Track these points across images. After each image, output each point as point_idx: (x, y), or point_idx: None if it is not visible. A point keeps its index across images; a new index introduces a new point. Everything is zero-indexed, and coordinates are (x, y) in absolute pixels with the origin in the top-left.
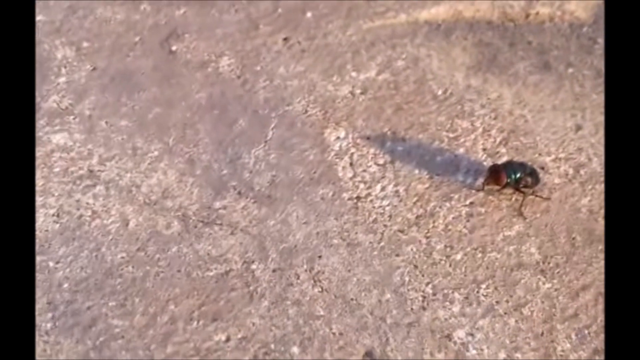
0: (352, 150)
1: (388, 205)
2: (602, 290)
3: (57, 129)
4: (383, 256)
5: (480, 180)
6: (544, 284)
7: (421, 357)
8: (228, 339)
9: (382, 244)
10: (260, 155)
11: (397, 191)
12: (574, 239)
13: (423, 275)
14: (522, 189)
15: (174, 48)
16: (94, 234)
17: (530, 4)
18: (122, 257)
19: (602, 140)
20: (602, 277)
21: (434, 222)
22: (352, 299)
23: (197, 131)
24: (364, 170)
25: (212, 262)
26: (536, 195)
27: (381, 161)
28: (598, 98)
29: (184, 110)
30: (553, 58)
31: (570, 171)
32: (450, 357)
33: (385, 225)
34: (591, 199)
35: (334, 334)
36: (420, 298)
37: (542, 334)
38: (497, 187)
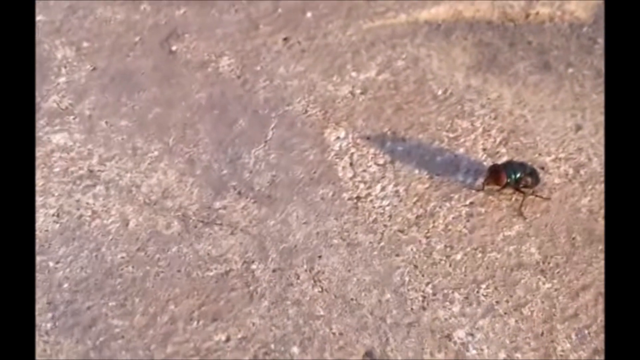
0: (352, 150)
1: (388, 205)
2: (602, 290)
3: (57, 129)
4: (383, 256)
5: (480, 180)
6: (544, 284)
7: (421, 357)
8: (228, 339)
9: (382, 244)
10: (260, 155)
11: (397, 191)
12: (574, 239)
13: (423, 275)
14: (522, 189)
15: (174, 48)
16: (94, 234)
17: (530, 4)
18: (122, 257)
19: (602, 140)
20: (602, 277)
21: (434, 222)
22: (352, 299)
23: (197, 131)
24: (364, 170)
25: (212, 262)
26: (536, 195)
27: (381, 161)
28: (598, 98)
29: (184, 110)
30: (553, 58)
31: (570, 171)
32: (450, 357)
33: (385, 225)
34: (591, 199)
35: (334, 334)
36: (420, 298)
37: (542, 334)
38: (497, 187)
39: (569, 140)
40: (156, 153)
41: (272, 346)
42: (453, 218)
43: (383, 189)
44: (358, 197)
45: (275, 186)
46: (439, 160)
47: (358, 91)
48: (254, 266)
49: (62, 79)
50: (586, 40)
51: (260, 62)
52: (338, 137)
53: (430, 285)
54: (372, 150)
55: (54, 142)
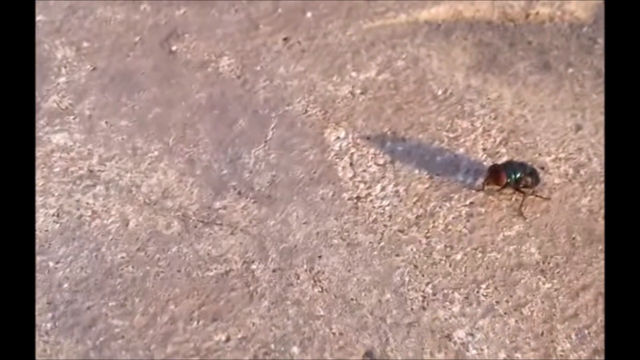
0: (352, 150)
1: (388, 205)
2: (602, 290)
3: (57, 129)
4: (383, 256)
5: (480, 180)
6: (544, 284)
7: (421, 357)
8: (228, 339)
9: (382, 244)
10: (260, 155)
11: (397, 191)
12: (574, 239)
13: (423, 275)
14: (522, 189)
15: (174, 48)
16: (94, 234)
17: (530, 4)
18: (122, 257)
19: (602, 140)
20: (602, 277)
21: (434, 222)
22: (352, 299)
23: (197, 131)
24: (364, 170)
25: (212, 262)
26: (536, 195)
27: (381, 161)
28: (598, 98)
29: (184, 110)
30: (553, 58)
31: (570, 171)
32: (450, 357)
33: (385, 225)
34: (591, 199)
35: (334, 334)
36: (420, 298)
37: (542, 334)
38: (497, 187)
39: (569, 140)
40: (156, 153)
41: (272, 346)
42: (453, 218)
43: (383, 189)
44: (358, 197)
45: (275, 186)
46: (439, 160)
47: (358, 91)
48: (254, 266)
49: (62, 79)
50: (586, 40)
51: (260, 62)
52: (338, 137)
53: (430, 285)
54: (372, 150)
55: (54, 142)
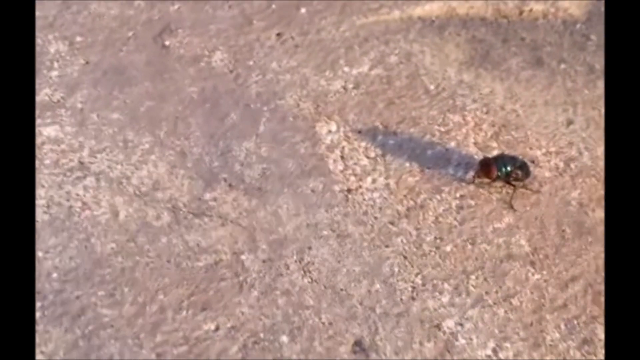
0: (344, 143)
1: (378, 197)
2: (591, 281)
3: (49, 122)
4: (373, 247)
5: (471, 174)
6: (533, 275)
7: (410, 346)
8: (217, 328)
9: (372, 235)
10: (252, 148)
11: (387, 184)
12: (563, 231)
13: (413, 266)
14: (513, 182)
15: (167, 43)
16: (84, 225)
17: (524, 1)
18: (112, 248)
19: (593, 135)
20: (592, 268)
21: (424, 214)
22: (341, 290)
23: (188, 124)
24: (355, 164)
25: (202, 253)
26: (526, 188)
27: (372, 154)
28: (590, 93)
29: (175, 104)
30: (546, 54)
31: (561, 165)
32: (440, 347)
33: (375, 217)
34: (581, 192)
35: (323, 323)
36: (410, 288)
37: (532, 324)
38: (487, 180)
39: (560, 134)
40: (147, 146)
41: (262, 335)
42: (443, 210)
43: (374, 181)
44: (349, 190)
45: (266, 178)
46: (430, 154)
47: (350, 86)
48: (243, 257)
49: (54, 73)
50: (579, 37)
51: (253, 57)
52: (329, 131)
53: (419, 276)
54: (363, 144)
55: (45, 134)
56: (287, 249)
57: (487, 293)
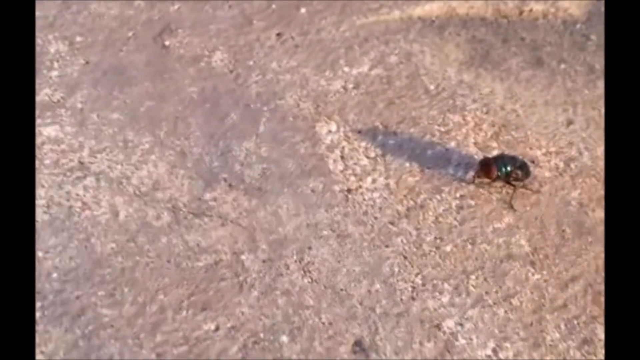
0: (344, 143)
1: (378, 197)
2: (591, 281)
3: (49, 122)
4: (373, 247)
5: (471, 174)
6: (533, 275)
7: (410, 346)
8: (217, 328)
9: (372, 235)
10: (252, 148)
11: (387, 184)
12: (563, 231)
13: (413, 266)
14: (513, 182)
15: (167, 43)
16: (84, 225)
17: (524, 1)
18: (112, 248)
19: (593, 135)
20: (592, 268)
21: (424, 214)
22: (341, 289)
23: (188, 124)
24: (355, 164)
25: (202, 253)
26: (526, 188)
27: (372, 154)
28: (590, 93)
29: (175, 104)
30: (546, 54)
31: (561, 165)
32: (440, 347)
33: (375, 217)
34: (581, 192)
35: (323, 323)
36: (410, 288)
37: (532, 324)
38: (487, 180)
39: (560, 134)
40: (147, 146)
41: (262, 335)
42: (443, 210)
43: (374, 181)
44: (349, 190)
45: (266, 178)
46: (430, 154)
47: (350, 86)
48: (243, 257)
49: (54, 73)
50: (579, 37)
51: (253, 57)
52: (329, 131)
53: (419, 276)
54: (363, 144)
55: (45, 134)
56: (287, 249)
57: (487, 293)
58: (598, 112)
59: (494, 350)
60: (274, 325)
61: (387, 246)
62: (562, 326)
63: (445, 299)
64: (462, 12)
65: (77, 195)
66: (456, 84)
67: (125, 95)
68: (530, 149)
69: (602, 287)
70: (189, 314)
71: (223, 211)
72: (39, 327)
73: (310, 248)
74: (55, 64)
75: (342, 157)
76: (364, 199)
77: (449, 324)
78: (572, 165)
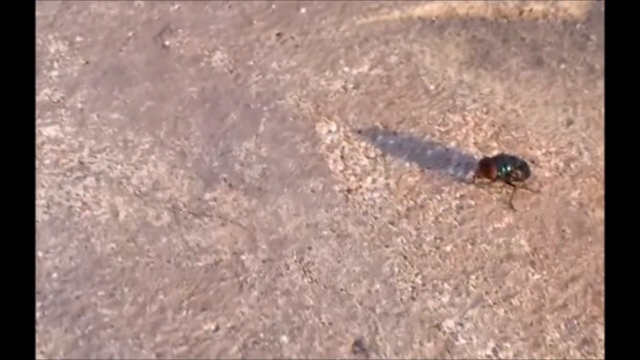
0: (344, 143)
1: (379, 197)
2: (591, 281)
3: (49, 122)
4: (373, 247)
5: (471, 174)
6: (533, 275)
7: (410, 346)
8: (217, 328)
9: (372, 235)
10: (252, 148)
11: (387, 184)
12: (563, 231)
13: (413, 266)
14: (513, 182)
15: (167, 43)
16: (84, 225)
17: (524, 1)
18: (112, 248)
19: (593, 135)
20: (592, 268)
21: (424, 214)
22: (341, 289)
23: (188, 124)
24: (355, 164)
25: (202, 253)
26: (526, 188)
27: (372, 154)
28: (590, 93)
29: (175, 104)
30: (546, 54)
31: (561, 165)
32: (440, 347)
33: (375, 217)
34: (581, 192)
35: (323, 323)
36: (410, 288)
37: (532, 324)
38: (487, 180)
39: (560, 134)
40: (147, 146)
41: (262, 335)
42: (443, 210)
43: (374, 181)
44: (349, 190)
45: (266, 178)
46: (430, 154)
47: (350, 86)
48: (243, 257)
49: (54, 73)
50: (579, 37)
51: (253, 57)
52: (329, 131)
53: (419, 276)
54: (363, 144)
55: (45, 134)
56: (287, 249)
57: (487, 293)
58: (598, 112)
59: (494, 350)
60: (274, 325)
61: (387, 246)
62: (562, 326)
63: (445, 299)
64: (462, 12)
65: (77, 195)
66: (456, 84)
67: (125, 95)
68: (530, 149)
69: (602, 287)
70: (189, 314)
71: (223, 211)
72: (39, 327)
73: (310, 248)
74: (55, 64)
75: (342, 157)
76: (364, 199)
77: (449, 324)
78: (572, 165)
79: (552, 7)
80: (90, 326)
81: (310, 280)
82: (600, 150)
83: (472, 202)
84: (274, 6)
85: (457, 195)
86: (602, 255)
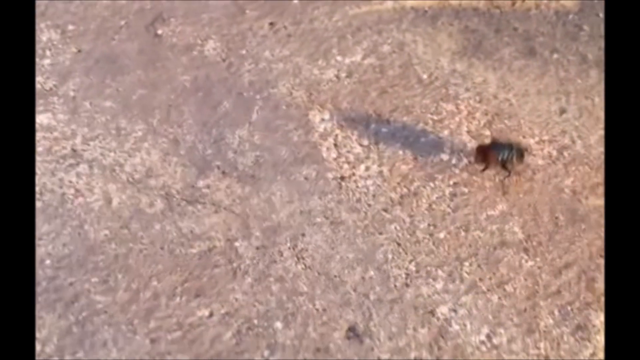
0: (337, 131)
1: (372, 185)
2: (585, 268)
3: (41, 110)
4: (367, 234)
5: (465, 161)
6: (527, 261)
7: (404, 332)
8: (211, 315)
9: (365, 222)
10: (245, 136)
11: (381, 171)
12: (557, 218)
13: (406, 253)
14: (508, 167)
15: (159, 32)
16: (77, 212)
17: None
18: (105, 235)
19: (586, 123)
20: (585, 255)
21: (417, 201)
22: (335, 276)
23: (181, 112)
24: (348, 151)
25: (196, 240)
26: (520, 175)
27: (365, 142)
28: (583, 83)
29: (168, 92)
30: (538, 44)
31: (554, 153)
32: (434, 332)
33: (369, 205)
34: (574, 180)
35: (317, 309)
36: (404, 275)
37: (525, 310)
38: (482, 166)
39: (553, 123)
40: (140, 133)
41: (256, 321)
42: (437, 198)
43: (367, 169)
44: (342, 177)
45: (259, 166)
46: (423, 142)
47: (343, 75)
48: (237, 244)
49: (46, 61)
50: (572, 27)
51: (245, 46)
52: (322, 119)
53: (413, 263)
54: (356, 132)
55: (38, 122)
56: (280, 235)
57: (480, 280)
58: (591, 101)
59: (488, 336)
60: (267, 311)
61: (380, 233)
62: (556, 312)
63: (439, 285)
64: (455, 3)
65: (70, 182)
66: (449, 73)
67: (117, 83)
68: (524, 137)
69: (595, 274)
70: (182, 300)
71: (216, 198)
72: None
73: (303, 235)
74: (48, 52)
75: (335, 144)
76: (357, 187)
77: (442, 310)
78: (565, 154)
79: None
80: (84, 312)
81: (304, 266)
82: (593, 139)
83: (465, 190)
84: None
85: (451, 182)
86: (596, 242)
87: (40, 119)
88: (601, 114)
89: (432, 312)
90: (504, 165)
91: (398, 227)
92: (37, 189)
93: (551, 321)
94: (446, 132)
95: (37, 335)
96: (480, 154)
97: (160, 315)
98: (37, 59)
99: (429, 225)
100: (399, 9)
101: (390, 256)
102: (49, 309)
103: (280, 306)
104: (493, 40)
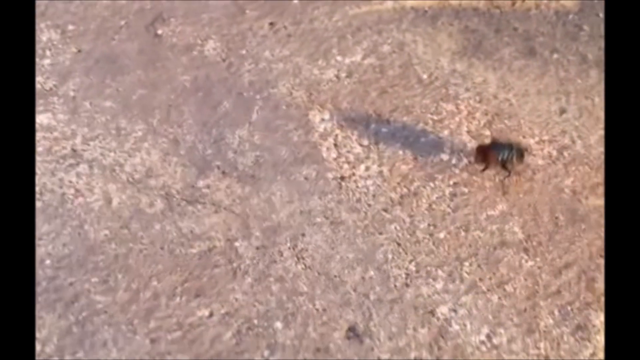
0: (337, 131)
1: (372, 185)
2: (585, 268)
3: (41, 110)
4: (367, 234)
5: (465, 161)
6: (527, 261)
7: (404, 332)
8: (211, 315)
9: (365, 222)
10: (245, 136)
11: (381, 171)
12: (557, 218)
13: (406, 253)
14: (508, 167)
15: (159, 32)
16: (77, 212)
17: None
18: (105, 235)
19: (586, 123)
20: (585, 255)
21: (417, 201)
22: (335, 276)
23: (181, 113)
24: (348, 151)
25: (196, 240)
26: (520, 175)
27: (365, 142)
28: (583, 83)
29: (168, 92)
30: (538, 44)
31: (554, 153)
32: (434, 332)
33: (369, 205)
34: (574, 180)
35: (317, 309)
36: (404, 275)
37: (525, 310)
38: (482, 166)
39: (553, 123)
40: (140, 133)
41: (256, 321)
42: (437, 198)
43: (367, 169)
44: (342, 177)
45: (259, 166)
46: (423, 142)
47: (343, 75)
48: (237, 244)
49: (46, 61)
50: (572, 27)
51: (245, 46)
52: (322, 119)
53: (413, 263)
54: (356, 132)
55: (38, 122)
56: (280, 235)
57: (480, 280)
58: (591, 101)
59: (488, 336)
60: (267, 311)
61: (380, 233)
62: (556, 312)
63: (439, 285)
64: (455, 3)
65: (70, 182)
66: (449, 73)
67: (117, 83)
68: (524, 137)
69: (595, 274)
70: (182, 300)
71: (216, 198)
72: None
73: (303, 235)
74: (48, 52)
75: (335, 144)
76: (357, 187)
77: (442, 310)
78: (565, 154)
79: None
80: (84, 312)
81: (304, 266)
82: (594, 139)
83: (465, 190)
84: None
85: (451, 182)
86: (596, 242)
87: (40, 119)
88: (601, 114)
89: (432, 312)
90: (504, 165)
91: (398, 227)
92: (37, 189)
93: (551, 321)
94: (446, 132)
95: (37, 335)
96: (480, 154)
97: (160, 315)
98: (37, 59)
99: (429, 225)
100: (399, 9)
101: (390, 256)
102: (49, 309)
103: (280, 306)
104: (493, 40)
